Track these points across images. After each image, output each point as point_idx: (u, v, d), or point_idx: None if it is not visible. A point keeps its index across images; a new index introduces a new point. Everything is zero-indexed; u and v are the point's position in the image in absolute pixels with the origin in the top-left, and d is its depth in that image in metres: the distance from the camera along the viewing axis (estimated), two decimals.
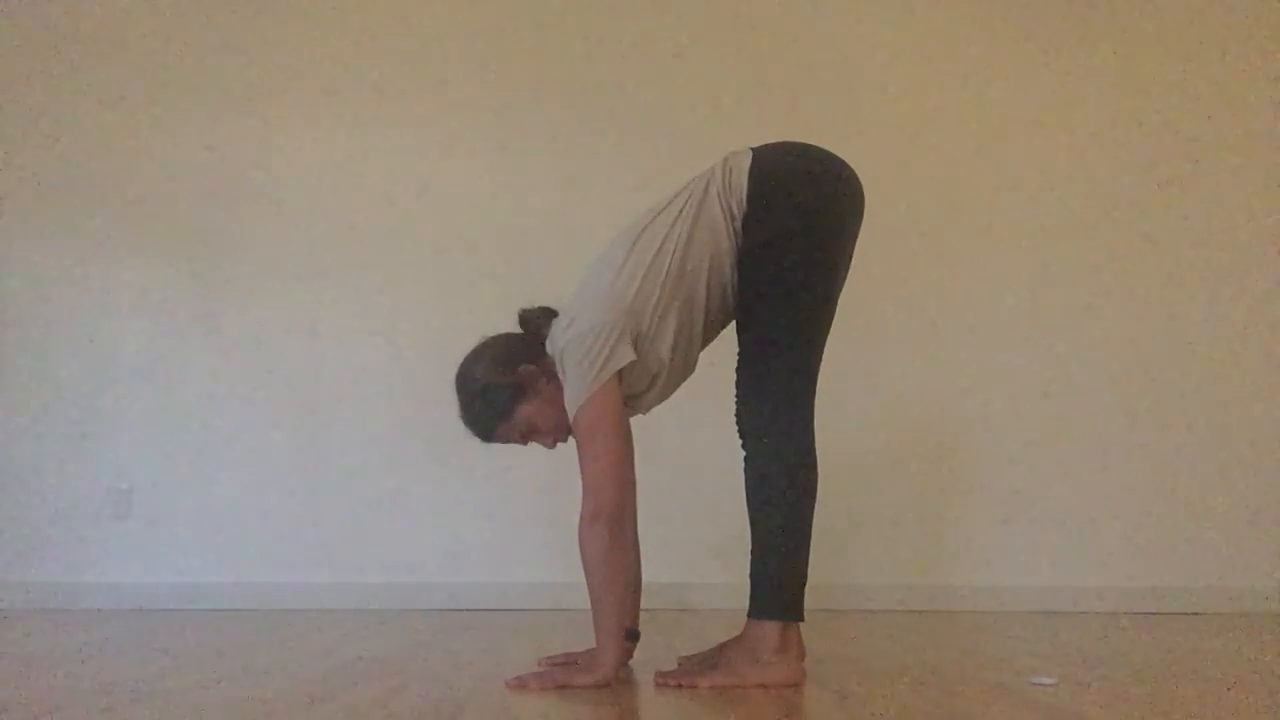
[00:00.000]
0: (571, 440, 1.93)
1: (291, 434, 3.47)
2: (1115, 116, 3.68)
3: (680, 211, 1.92)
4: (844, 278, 1.98)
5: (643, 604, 2.15)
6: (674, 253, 1.89)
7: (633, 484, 1.92)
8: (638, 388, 1.95)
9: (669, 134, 3.58)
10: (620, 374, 1.87)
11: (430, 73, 3.61)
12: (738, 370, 1.94)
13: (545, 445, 2.06)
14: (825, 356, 1.94)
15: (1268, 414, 3.58)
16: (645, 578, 2.17)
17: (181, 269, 3.53)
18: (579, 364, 1.85)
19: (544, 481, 3.36)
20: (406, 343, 3.51)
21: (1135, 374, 3.58)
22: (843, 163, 1.98)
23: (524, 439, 2.05)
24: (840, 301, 1.98)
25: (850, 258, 1.99)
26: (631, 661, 2.06)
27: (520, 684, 1.80)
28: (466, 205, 3.58)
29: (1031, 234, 3.63)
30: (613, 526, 1.83)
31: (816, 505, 1.89)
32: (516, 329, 2.07)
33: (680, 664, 2.07)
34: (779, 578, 1.86)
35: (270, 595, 3.37)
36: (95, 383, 3.47)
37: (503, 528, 3.44)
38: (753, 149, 1.97)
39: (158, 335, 3.50)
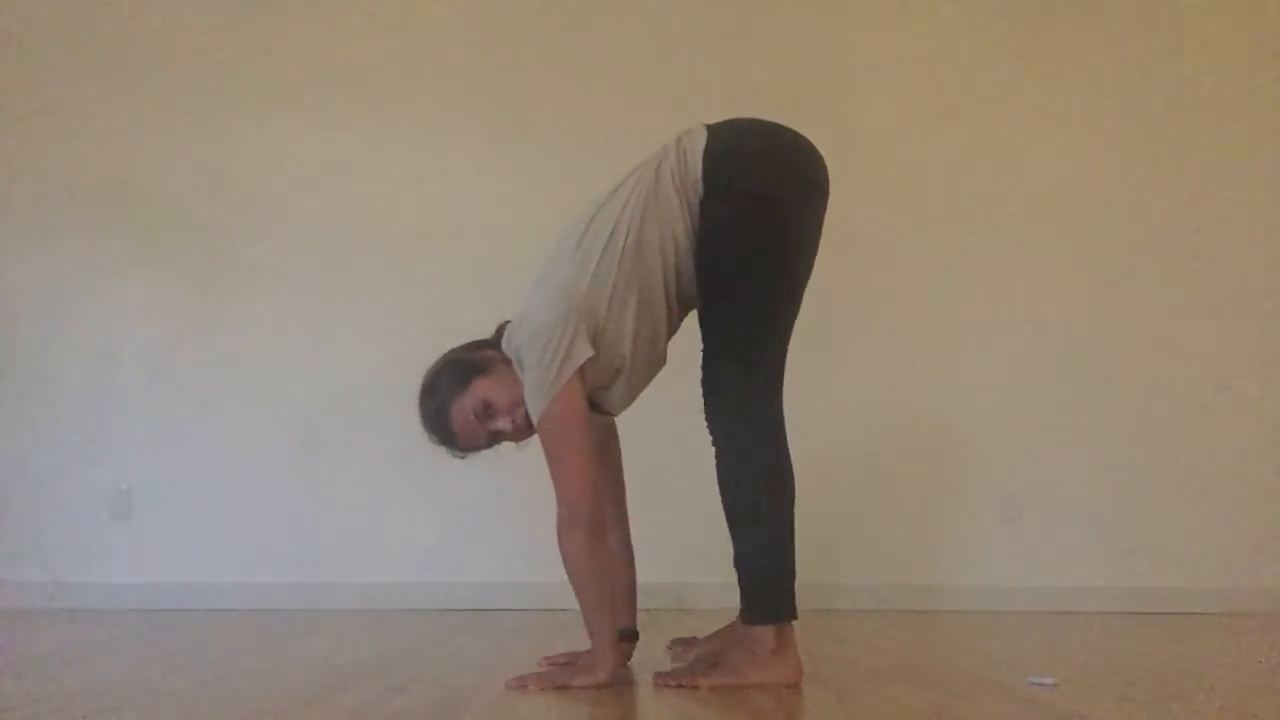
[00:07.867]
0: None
1: (291, 434, 3.47)
2: (1116, 116, 3.67)
3: (630, 195, 1.83)
4: (810, 262, 1.88)
5: (642, 604, 2.15)
6: (626, 238, 1.80)
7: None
8: (601, 382, 1.87)
9: (671, 135, 3.57)
10: (582, 371, 1.79)
11: (431, 75, 3.61)
12: (702, 366, 1.86)
13: (505, 433, 1.92)
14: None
15: (1268, 413, 3.57)
16: (645, 578, 2.17)
17: (182, 271, 3.52)
18: (537, 365, 1.77)
19: (542, 481, 3.34)
20: (406, 344, 3.47)
21: (1135, 373, 3.58)
22: (804, 139, 1.89)
23: (484, 425, 1.91)
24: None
25: (816, 240, 1.88)
26: (631, 661, 2.06)
27: (520, 684, 1.80)
28: (467, 207, 3.57)
29: (1033, 232, 3.62)
30: (590, 528, 1.80)
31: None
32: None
33: (672, 647, 2.05)
34: (764, 583, 1.83)
35: (270, 595, 3.36)
36: (96, 383, 3.46)
37: (502, 527, 3.44)
38: (708, 126, 1.88)
39: (158, 336, 3.49)
